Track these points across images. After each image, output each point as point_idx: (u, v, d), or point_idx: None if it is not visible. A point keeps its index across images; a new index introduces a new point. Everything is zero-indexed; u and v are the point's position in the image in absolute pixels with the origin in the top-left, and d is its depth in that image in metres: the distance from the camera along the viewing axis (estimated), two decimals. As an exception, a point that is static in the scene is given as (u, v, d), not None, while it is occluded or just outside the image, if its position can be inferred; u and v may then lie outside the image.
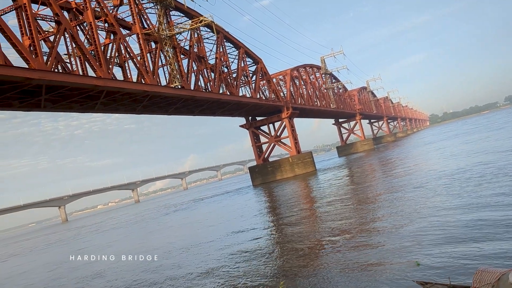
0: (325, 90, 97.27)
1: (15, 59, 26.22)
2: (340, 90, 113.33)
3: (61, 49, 34.05)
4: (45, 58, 28.02)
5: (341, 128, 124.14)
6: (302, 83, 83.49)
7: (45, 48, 30.18)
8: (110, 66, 33.93)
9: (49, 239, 68.15)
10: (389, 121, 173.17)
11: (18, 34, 26.27)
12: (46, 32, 31.31)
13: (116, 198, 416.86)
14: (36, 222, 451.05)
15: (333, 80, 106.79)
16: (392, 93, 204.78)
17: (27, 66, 25.73)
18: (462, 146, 43.78)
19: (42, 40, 29.50)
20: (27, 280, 24.80)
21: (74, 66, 31.26)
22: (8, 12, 27.56)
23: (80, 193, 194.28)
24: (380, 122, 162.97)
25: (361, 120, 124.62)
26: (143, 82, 37.20)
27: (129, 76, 37.25)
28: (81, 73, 31.31)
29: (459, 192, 18.41)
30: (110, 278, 18.69)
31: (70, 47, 31.49)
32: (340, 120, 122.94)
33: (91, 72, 32.19)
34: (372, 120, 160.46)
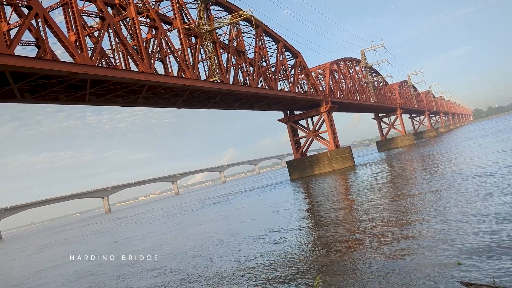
0: (365, 84, 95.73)
1: (62, 54, 27.20)
2: (381, 84, 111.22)
3: (105, 44, 34.96)
4: (89, 53, 28.77)
5: (381, 123, 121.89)
6: (342, 77, 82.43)
7: (89, 44, 30.96)
8: (152, 61, 34.42)
9: (90, 229, 70.31)
10: (430, 115, 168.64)
11: (64, 30, 27.12)
12: (91, 28, 32.12)
13: (157, 190, 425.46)
14: (81, 212, 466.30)
15: (373, 74, 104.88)
16: (434, 87, 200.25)
17: (73, 61, 26.49)
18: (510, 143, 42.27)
19: (87, 36, 30.26)
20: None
21: (117, 61, 31.96)
22: (55, 8, 28.43)
23: (122, 185, 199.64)
24: (422, 117, 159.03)
25: (402, 115, 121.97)
26: (183, 76, 37.70)
27: (170, 71, 37.91)
28: (124, 67, 31.92)
29: (507, 192, 17.62)
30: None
31: (113, 42, 32.21)
32: (380, 114, 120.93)
33: (133, 67, 32.85)
34: (413, 115, 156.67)
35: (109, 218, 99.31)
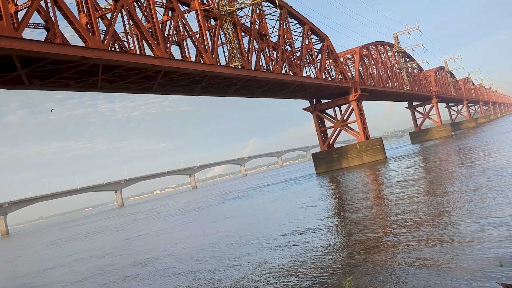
0: (397, 70, 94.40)
1: (72, 38, 27.11)
2: (415, 71, 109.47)
3: (118, 27, 34.84)
4: (102, 36, 28.59)
5: (415, 112, 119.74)
6: (373, 63, 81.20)
7: (102, 26, 30.90)
8: (168, 45, 34.33)
9: (101, 225, 71.17)
10: (469, 105, 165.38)
11: (75, 12, 27.01)
12: (103, 10, 31.92)
13: (173, 184, 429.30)
14: (92, 206, 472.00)
15: (407, 59, 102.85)
16: (474, 73, 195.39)
17: (84, 45, 26.44)
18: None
19: (99, 18, 30.13)
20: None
21: (131, 45, 31.85)
22: (66, -11, 28.55)
23: (136, 178, 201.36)
24: (459, 106, 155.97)
25: (438, 104, 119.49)
26: (202, 61, 37.46)
27: (188, 55, 37.69)
28: (138, 52, 31.91)
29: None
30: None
31: (127, 25, 32.04)
32: (414, 103, 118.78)
33: (148, 51, 32.75)
34: (450, 104, 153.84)
35: (122, 213, 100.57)
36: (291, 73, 53.30)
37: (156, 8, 34.23)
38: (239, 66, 41.92)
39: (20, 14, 25.93)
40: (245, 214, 35.01)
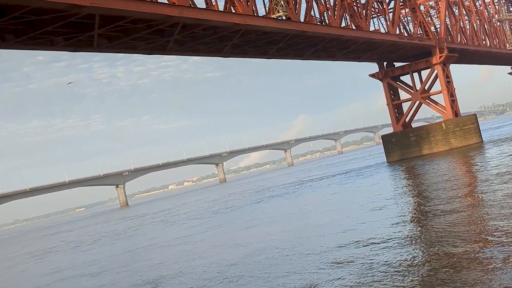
0: (498, 23, 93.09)
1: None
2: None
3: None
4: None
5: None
6: (464, 13, 79.80)
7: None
8: (188, -12, 34.04)
9: (95, 231, 71.69)
10: None
11: None
12: None
13: (193, 176, 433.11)
14: (86, 206, 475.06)
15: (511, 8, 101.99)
16: None
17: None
18: None
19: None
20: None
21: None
22: None
23: (144, 168, 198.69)
24: None
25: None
26: (234, 11, 36.97)
27: (214, 3, 36.94)
28: (148, -2, 31.65)
29: None
30: None
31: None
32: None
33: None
34: None
35: (125, 215, 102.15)
36: (354, 27, 52.28)
37: None
38: (284, 18, 41.20)
39: None
40: (290, 217, 35.12)
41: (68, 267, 34.87)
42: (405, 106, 70.34)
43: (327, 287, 14.72)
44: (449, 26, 73.14)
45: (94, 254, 39.49)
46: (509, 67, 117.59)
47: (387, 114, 71.06)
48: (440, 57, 66.78)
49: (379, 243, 19.04)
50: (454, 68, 78.41)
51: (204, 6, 36.30)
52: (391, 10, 61.86)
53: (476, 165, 41.27)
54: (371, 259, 16.60)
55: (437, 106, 68.80)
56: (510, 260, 13.07)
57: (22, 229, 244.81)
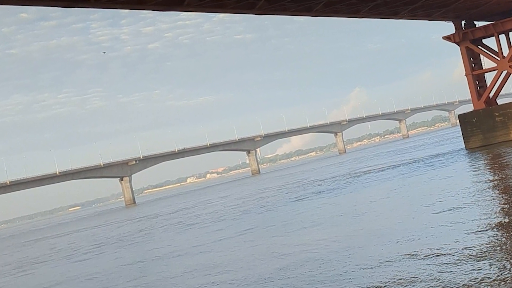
0: None
1: None
2: None
3: None
4: None
5: None
6: None
7: None
8: None
9: (92, 237, 72.08)
10: None
11: None
12: None
13: (218, 166, 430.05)
14: (82, 204, 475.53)
15: None
16: None
17: None
18: None
19: None
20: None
21: None
22: None
23: (156, 155, 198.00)
24: None
25: None
26: None
27: None
28: None
29: None
30: None
31: None
32: None
33: None
34: None
35: (131, 216, 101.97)
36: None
37: None
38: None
39: None
40: (338, 220, 35.23)
41: (60, 281, 35.82)
42: (489, 77, 70.35)
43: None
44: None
45: (92, 265, 40.40)
46: None
47: (466, 87, 71.19)
48: (537, 13, 65.60)
49: (453, 255, 19.29)
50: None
51: None
52: None
53: None
54: (444, 278, 16.83)
55: (531, 78, 68.20)
56: None
57: (1, 233, 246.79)
